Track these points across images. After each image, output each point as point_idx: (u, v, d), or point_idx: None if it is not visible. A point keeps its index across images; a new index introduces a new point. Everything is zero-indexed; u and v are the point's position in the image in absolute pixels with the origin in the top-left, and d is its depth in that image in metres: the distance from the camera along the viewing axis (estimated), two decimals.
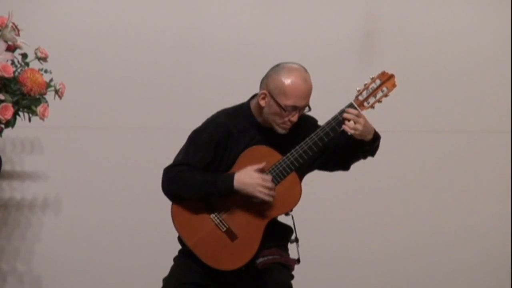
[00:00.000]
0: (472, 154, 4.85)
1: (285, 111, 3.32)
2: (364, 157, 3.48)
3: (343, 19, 4.73)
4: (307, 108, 3.37)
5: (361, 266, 4.82)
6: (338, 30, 4.73)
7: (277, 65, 3.38)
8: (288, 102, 3.31)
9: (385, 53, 4.71)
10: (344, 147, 3.43)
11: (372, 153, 3.46)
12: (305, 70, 3.36)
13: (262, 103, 3.37)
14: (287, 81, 3.31)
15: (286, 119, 3.35)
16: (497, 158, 4.85)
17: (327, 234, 4.77)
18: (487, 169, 4.85)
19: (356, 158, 3.48)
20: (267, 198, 3.31)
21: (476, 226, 4.85)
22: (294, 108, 3.32)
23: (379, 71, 3.39)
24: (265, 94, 3.35)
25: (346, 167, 3.55)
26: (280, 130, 3.38)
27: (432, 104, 4.81)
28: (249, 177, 3.30)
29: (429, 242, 4.83)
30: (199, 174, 3.34)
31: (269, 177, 3.31)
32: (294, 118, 3.34)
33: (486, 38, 4.81)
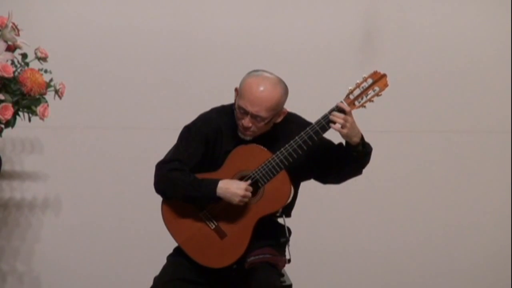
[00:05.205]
0: (472, 154, 4.84)
1: (235, 109, 3.34)
2: (356, 170, 3.43)
3: (343, 18, 4.73)
4: (262, 122, 3.31)
5: (361, 266, 4.82)
6: (338, 29, 4.72)
7: (255, 70, 3.38)
8: (240, 102, 3.32)
9: (385, 52, 4.71)
10: (335, 157, 3.40)
11: (362, 164, 3.42)
12: (277, 83, 3.32)
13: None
14: (247, 83, 3.31)
15: (240, 121, 3.35)
16: (497, 158, 4.85)
17: (328, 234, 4.78)
18: (487, 169, 4.85)
19: (347, 170, 3.43)
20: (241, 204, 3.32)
21: (476, 226, 4.85)
22: (243, 110, 3.31)
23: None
24: (236, 92, 3.38)
25: (338, 181, 3.51)
26: (240, 135, 3.39)
27: (432, 104, 4.80)
28: (235, 186, 3.30)
29: (428, 242, 4.83)
30: (188, 175, 3.34)
31: (250, 189, 3.32)
32: (245, 122, 3.32)
33: (486, 38, 4.81)
